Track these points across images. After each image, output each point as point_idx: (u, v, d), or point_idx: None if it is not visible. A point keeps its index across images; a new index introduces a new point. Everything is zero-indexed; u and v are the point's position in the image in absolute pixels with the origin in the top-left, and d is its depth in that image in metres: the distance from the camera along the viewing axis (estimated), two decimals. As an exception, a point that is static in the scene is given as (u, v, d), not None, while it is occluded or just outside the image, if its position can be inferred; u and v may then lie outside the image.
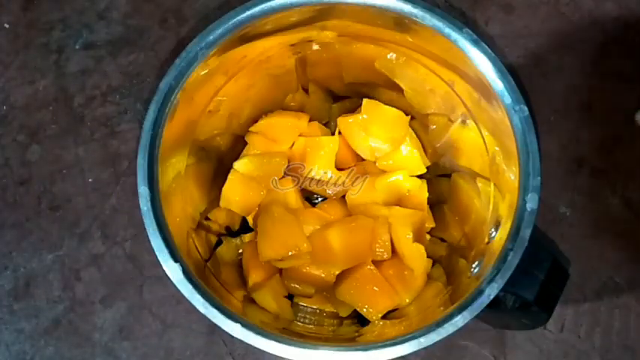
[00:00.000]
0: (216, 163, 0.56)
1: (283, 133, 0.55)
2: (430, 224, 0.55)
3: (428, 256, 0.52)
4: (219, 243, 0.54)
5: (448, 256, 0.54)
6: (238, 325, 0.42)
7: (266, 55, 0.52)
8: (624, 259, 0.57)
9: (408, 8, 0.46)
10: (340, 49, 0.53)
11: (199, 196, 0.54)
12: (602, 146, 0.59)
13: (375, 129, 0.55)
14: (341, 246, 0.51)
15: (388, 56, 0.53)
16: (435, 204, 0.56)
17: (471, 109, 0.51)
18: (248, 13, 0.47)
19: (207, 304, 0.42)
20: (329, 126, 0.59)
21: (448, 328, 0.42)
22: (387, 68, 0.53)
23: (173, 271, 0.43)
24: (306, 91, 0.57)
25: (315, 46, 0.53)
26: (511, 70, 0.46)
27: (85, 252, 0.57)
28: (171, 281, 0.43)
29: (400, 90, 0.54)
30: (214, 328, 0.43)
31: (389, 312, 0.52)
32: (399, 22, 0.47)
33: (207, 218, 0.54)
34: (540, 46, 0.61)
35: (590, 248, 0.57)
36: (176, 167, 0.50)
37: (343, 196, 0.55)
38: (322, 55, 0.54)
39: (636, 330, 0.56)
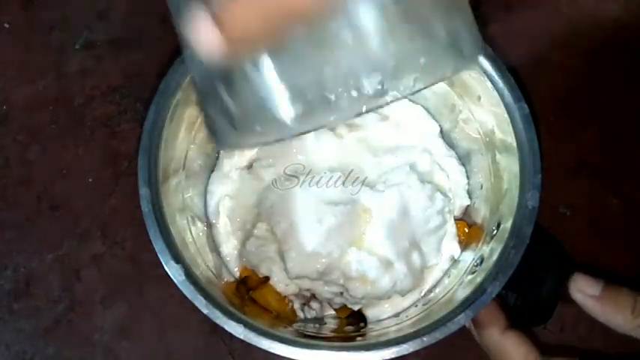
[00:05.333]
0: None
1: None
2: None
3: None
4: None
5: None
6: (241, 326, 0.42)
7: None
8: (624, 259, 0.57)
9: None
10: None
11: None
12: (603, 146, 0.59)
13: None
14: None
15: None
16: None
17: (471, 108, 0.51)
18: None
19: (209, 305, 0.42)
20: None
21: (451, 327, 0.42)
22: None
23: (175, 272, 0.43)
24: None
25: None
26: (511, 70, 0.47)
27: (85, 252, 0.57)
28: (172, 281, 0.43)
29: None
30: (214, 327, 0.43)
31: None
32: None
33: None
34: (540, 46, 0.61)
35: (590, 248, 0.57)
36: (177, 167, 0.50)
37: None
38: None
39: (636, 330, 0.56)
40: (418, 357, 0.47)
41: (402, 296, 0.51)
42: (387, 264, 0.49)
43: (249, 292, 0.52)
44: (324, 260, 0.49)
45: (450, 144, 0.56)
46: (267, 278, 0.52)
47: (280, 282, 0.51)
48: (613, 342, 0.55)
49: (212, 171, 0.56)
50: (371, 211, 0.51)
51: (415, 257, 0.51)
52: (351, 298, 0.50)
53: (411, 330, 0.43)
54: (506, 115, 0.46)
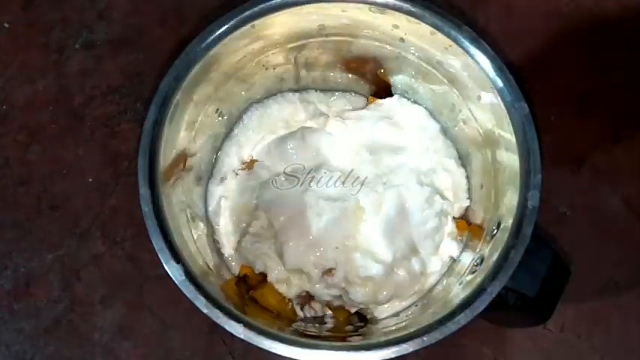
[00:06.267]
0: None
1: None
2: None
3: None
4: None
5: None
6: (241, 325, 0.42)
7: (265, 54, 0.52)
8: (624, 259, 0.57)
9: (407, 6, 0.46)
10: (337, 52, 0.54)
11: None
12: (602, 146, 0.59)
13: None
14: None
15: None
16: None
17: (471, 108, 0.51)
18: (248, 12, 0.47)
19: (209, 305, 0.42)
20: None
21: (451, 327, 0.42)
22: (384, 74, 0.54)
23: (175, 271, 0.43)
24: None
25: (313, 48, 0.53)
26: (511, 69, 0.46)
27: (85, 252, 0.57)
28: (172, 281, 0.43)
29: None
30: (214, 327, 0.43)
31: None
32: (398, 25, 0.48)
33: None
34: (540, 45, 0.61)
35: (590, 248, 0.57)
36: (177, 167, 0.50)
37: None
38: (320, 56, 0.54)
39: (636, 330, 0.56)
40: (418, 357, 0.47)
41: (402, 301, 0.52)
42: (389, 271, 0.50)
43: (249, 292, 0.52)
44: (319, 254, 0.49)
45: (450, 144, 0.56)
46: (265, 276, 0.52)
47: (277, 278, 0.51)
48: (612, 341, 0.56)
49: (212, 171, 0.56)
50: (364, 209, 0.51)
51: (414, 262, 0.51)
52: (350, 301, 0.50)
53: (411, 330, 0.42)
54: (506, 115, 0.46)
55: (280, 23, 0.48)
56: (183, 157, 0.50)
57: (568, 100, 0.60)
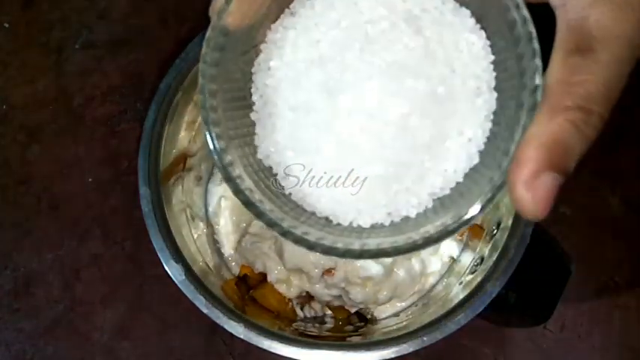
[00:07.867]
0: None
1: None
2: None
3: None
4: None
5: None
6: (241, 325, 0.42)
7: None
8: (624, 259, 0.57)
9: None
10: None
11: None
12: (603, 146, 0.59)
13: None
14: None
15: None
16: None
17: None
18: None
19: (209, 305, 0.42)
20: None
21: (451, 327, 0.42)
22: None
23: (175, 271, 0.43)
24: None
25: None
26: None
27: (85, 252, 0.57)
28: (172, 281, 0.43)
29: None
30: (214, 327, 0.43)
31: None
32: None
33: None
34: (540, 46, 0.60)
35: (590, 248, 0.57)
36: (177, 167, 0.50)
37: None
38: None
39: (636, 330, 0.56)
40: (418, 357, 0.47)
41: (402, 301, 0.52)
42: (389, 271, 0.50)
43: (249, 292, 0.52)
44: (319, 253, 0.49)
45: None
46: (265, 276, 0.52)
47: (277, 278, 0.51)
48: (612, 341, 0.56)
49: (212, 171, 0.56)
50: None
51: (414, 262, 0.51)
52: (350, 301, 0.50)
53: (411, 330, 0.43)
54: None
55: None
56: (183, 157, 0.50)
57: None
